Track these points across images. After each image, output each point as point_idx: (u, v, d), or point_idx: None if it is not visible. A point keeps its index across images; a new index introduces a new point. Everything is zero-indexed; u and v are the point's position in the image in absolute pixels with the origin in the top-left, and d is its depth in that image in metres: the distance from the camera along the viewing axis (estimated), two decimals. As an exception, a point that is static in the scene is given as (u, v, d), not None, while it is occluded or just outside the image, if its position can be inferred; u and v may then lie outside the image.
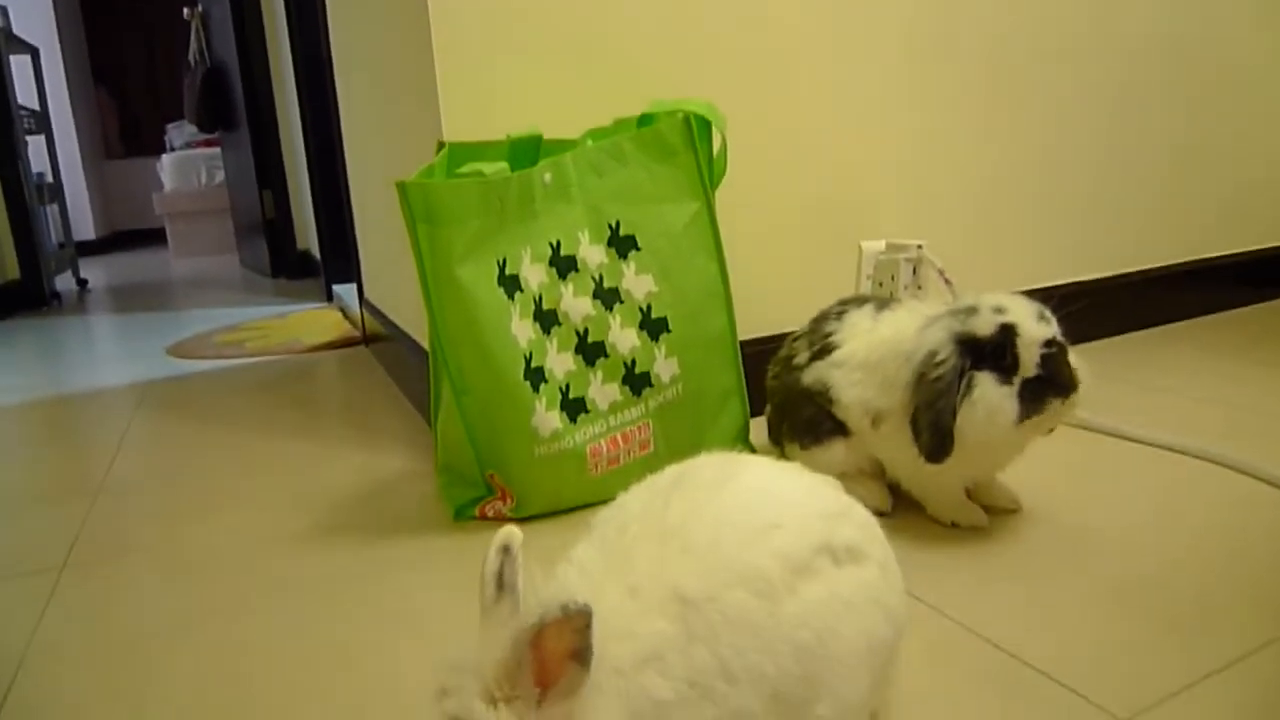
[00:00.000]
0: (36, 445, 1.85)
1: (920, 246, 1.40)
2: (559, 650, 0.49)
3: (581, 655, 0.49)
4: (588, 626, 0.49)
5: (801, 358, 1.19)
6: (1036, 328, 0.98)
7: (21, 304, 3.72)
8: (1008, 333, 0.98)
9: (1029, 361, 0.97)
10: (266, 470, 1.50)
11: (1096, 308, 1.90)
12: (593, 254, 1.18)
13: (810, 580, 0.61)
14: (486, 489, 1.19)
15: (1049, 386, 0.97)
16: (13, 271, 3.73)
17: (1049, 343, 0.98)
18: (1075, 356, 1.00)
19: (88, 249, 5.92)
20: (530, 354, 1.12)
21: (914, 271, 1.41)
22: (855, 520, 0.68)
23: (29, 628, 1.00)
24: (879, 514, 1.11)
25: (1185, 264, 2.07)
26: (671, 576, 0.58)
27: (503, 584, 0.55)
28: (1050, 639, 0.84)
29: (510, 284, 1.12)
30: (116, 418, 1.93)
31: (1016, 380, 0.97)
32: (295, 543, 1.18)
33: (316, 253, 3.61)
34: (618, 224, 1.19)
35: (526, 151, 1.22)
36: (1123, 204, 1.98)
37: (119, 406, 2.03)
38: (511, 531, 0.57)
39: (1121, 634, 0.85)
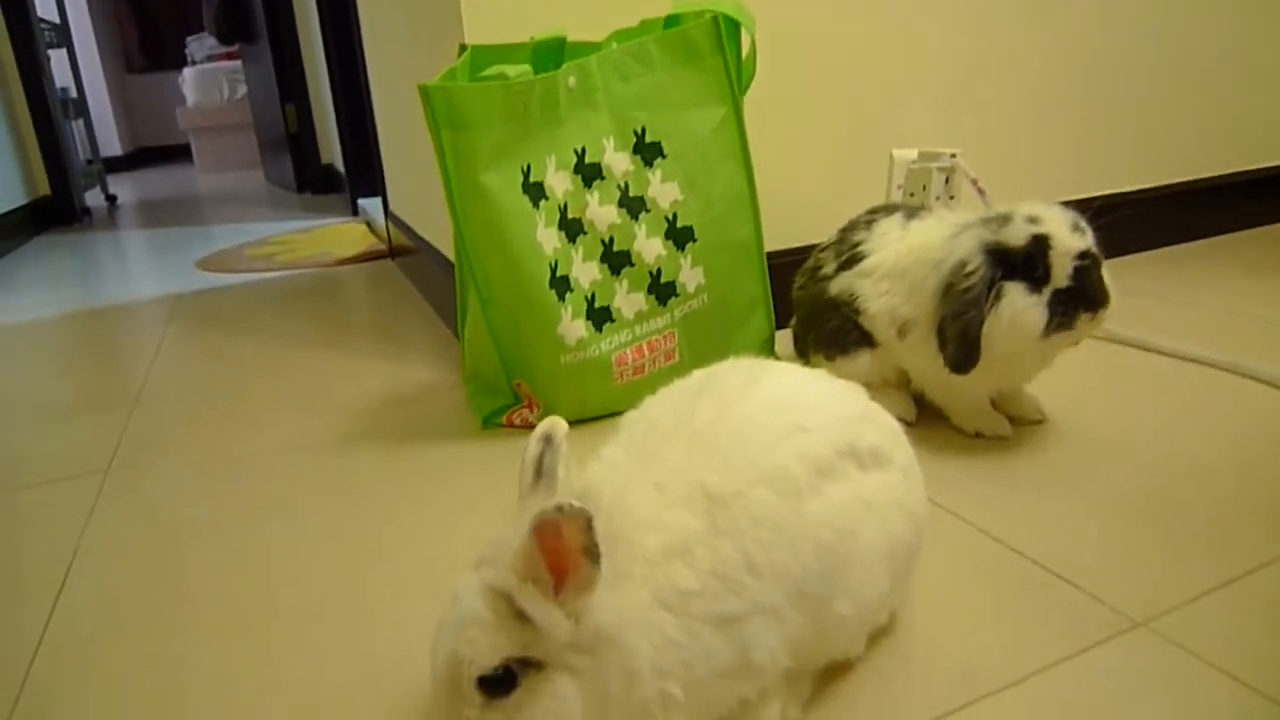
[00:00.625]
0: (75, 357, 1.89)
1: (954, 155, 1.36)
2: (572, 545, 0.50)
3: (590, 553, 0.51)
4: (589, 527, 0.50)
5: (829, 268, 1.17)
6: (1070, 239, 0.96)
7: (53, 220, 3.75)
8: (1040, 243, 0.96)
9: (1061, 273, 0.95)
10: (297, 380, 1.53)
11: (1135, 220, 1.85)
12: (618, 161, 1.16)
13: (833, 482, 0.62)
14: (513, 397, 1.20)
15: (1079, 299, 0.96)
16: (43, 188, 3.76)
17: (1083, 255, 0.96)
18: (1107, 271, 0.98)
19: (114, 165, 5.92)
20: (555, 262, 1.12)
21: (946, 181, 1.38)
22: (880, 425, 0.69)
23: (79, 526, 1.04)
24: (903, 424, 1.12)
25: (1230, 176, 2.00)
26: (698, 473, 0.59)
27: (541, 471, 0.57)
28: (1070, 545, 0.85)
29: (535, 191, 1.11)
30: (150, 330, 1.96)
31: (1047, 291, 0.96)
32: (327, 449, 1.21)
33: (341, 167, 3.59)
34: (643, 130, 1.17)
35: (550, 54, 1.19)
36: (1169, 112, 1.90)
37: (152, 319, 2.06)
38: (556, 421, 0.58)
39: (1141, 542, 0.85)
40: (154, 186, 5.27)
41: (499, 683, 0.52)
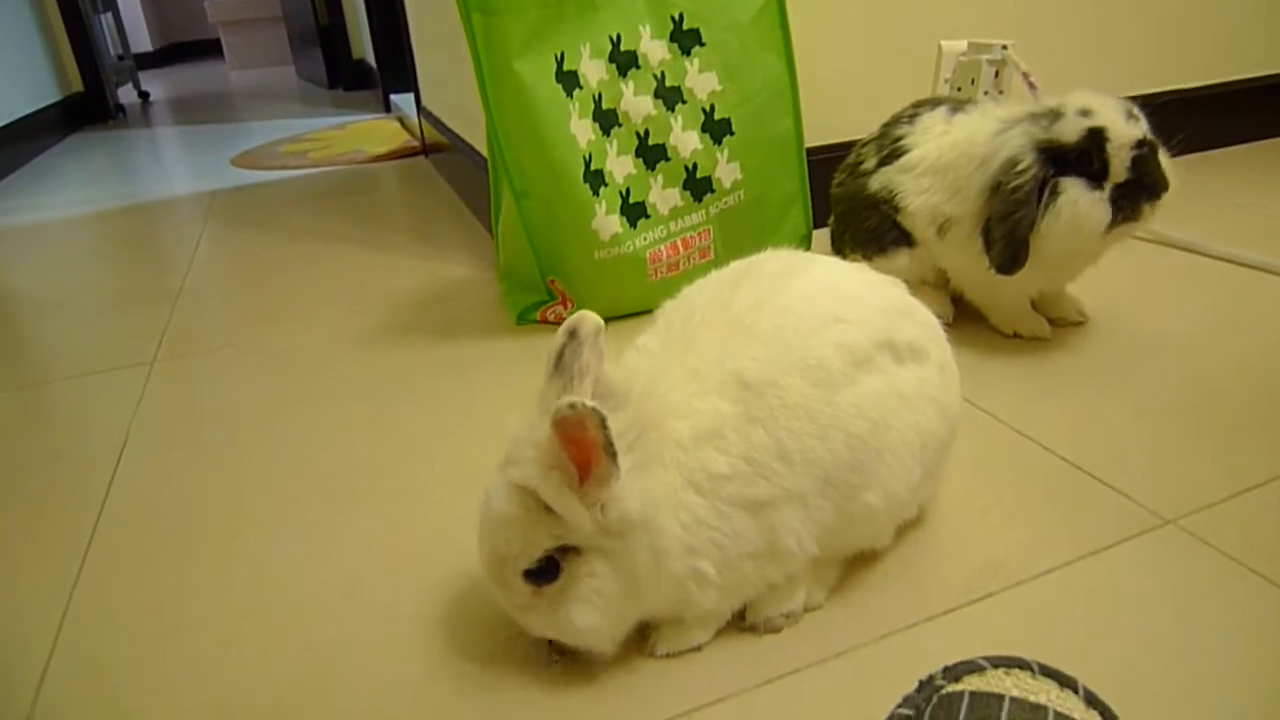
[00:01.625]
0: (115, 253, 1.92)
1: (1005, 47, 1.30)
2: (594, 439, 0.51)
3: (608, 449, 0.52)
4: (603, 425, 0.50)
5: (869, 163, 1.14)
6: (1126, 128, 0.92)
7: (87, 117, 3.75)
8: (1096, 137, 0.92)
9: (1119, 165, 0.92)
10: (334, 277, 1.55)
11: (1189, 119, 1.77)
12: (654, 49, 1.12)
13: (869, 373, 0.62)
14: (547, 294, 1.21)
15: (1140, 190, 0.92)
16: (76, 84, 3.74)
17: (1140, 143, 0.92)
18: (1164, 156, 0.95)
19: (145, 62, 5.86)
20: (590, 155, 1.10)
21: (996, 75, 1.32)
22: (918, 319, 0.68)
23: (128, 415, 1.08)
24: (940, 324, 1.11)
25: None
26: (733, 361, 0.59)
27: (560, 365, 0.57)
28: (1104, 445, 0.85)
29: (569, 80, 1.08)
30: (188, 226, 1.98)
31: (1108, 186, 0.92)
32: (364, 343, 1.23)
33: (373, 62, 3.53)
34: (681, 16, 1.13)
35: (586, -64, 1.14)
36: (1232, 6, 1.78)
37: (190, 216, 2.08)
38: (584, 316, 0.58)
39: (1176, 442, 0.85)
40: (186, 83, 5.23)
41: (543, 572, 0.56)
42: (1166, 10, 1.73)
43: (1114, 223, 0.93)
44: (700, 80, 1.14)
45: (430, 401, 1.05)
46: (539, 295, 1.22)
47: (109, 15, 4.20)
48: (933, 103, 1.13)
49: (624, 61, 1.11)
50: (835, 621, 0.65)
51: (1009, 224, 0.95)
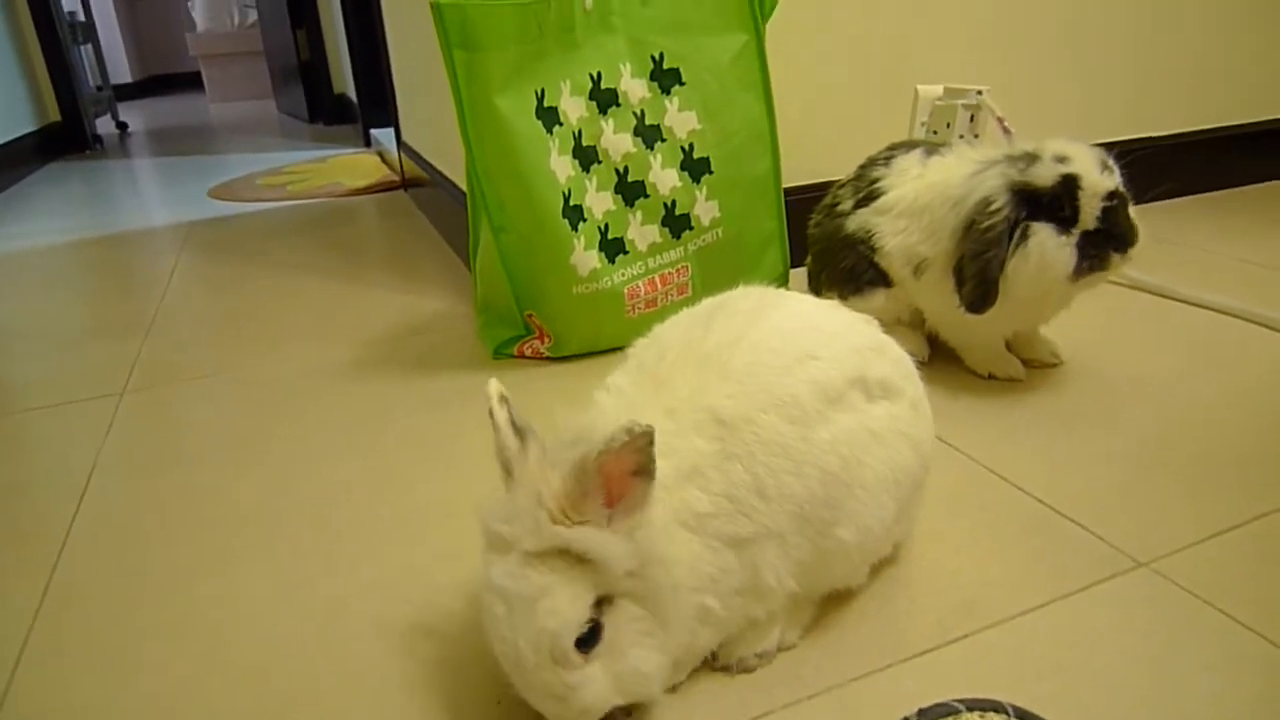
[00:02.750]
0: (88, 283, 1.89)
1: (980, 92, 1.32)
2: (623, 469, 0.51)
3: (646, 470, 0.51)
4: (650, 444, 0.50)
5: (846, 204, 1.15)
6: (1100, 179, 0.94)
7: (64, 147, 3.72)
8: (1070, 184, 0.94)
9: (1089, 214, 0.93)
10: (310, 309, 1.53)
11: (1159, 167, 1.81)
12: (635, 88, 1.13)
13: (842, 410, 0.62)
14: (525, 328, 1.20)
15: (1108, 240, 0.94)
16: (54, 114, 3.72)
17: (1111, 195, 0.94)
18: (1134, 211, 0.96)
19: (124, 93, 5.86)
20: (569, 191, 1.10)
21: (971, 119, 1.35)
22: (890, 356, 0.69)
23: (95, 446, 1.05)
24: (916, 363, 1.11)
25: (1269, 123, 1.95)
26: (709, 399, 0.59)
27: (519, 430, 0.55)
28: (1077, 487, 0.85)
29: (549, 116, 1.09)
30: (164, 257, 1.96)
31: (1075, 232, 0.94)
32: (340, 376, 1.22)
33: (354, 96, 3.54)
34: (661, 56, 1.14)
35: (567, -24, 1.16)
36: (1208, 55, 1.83)
37: (165, 246, 2.06)
38: (494, 383, 0.57)
39: (1149, 485, 0.85)
40: (165, 115, 5.22)
41: (591, 635, 0.52)
42: (1140, 59, 1.78)
43: (1079, 270, 0.94)
44: (680, 119, 1.15)
45: (406, 435, 1.04)
46: (516, 330, 1.21)
47: (88, 46, 4.20)
48: (908, 145, 1.15)
49: (604, 99, 1.12)
50: (810, 662, 0.64)
51: (980, 263, 0.96)
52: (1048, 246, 0.94)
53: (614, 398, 0.63)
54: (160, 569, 0.81)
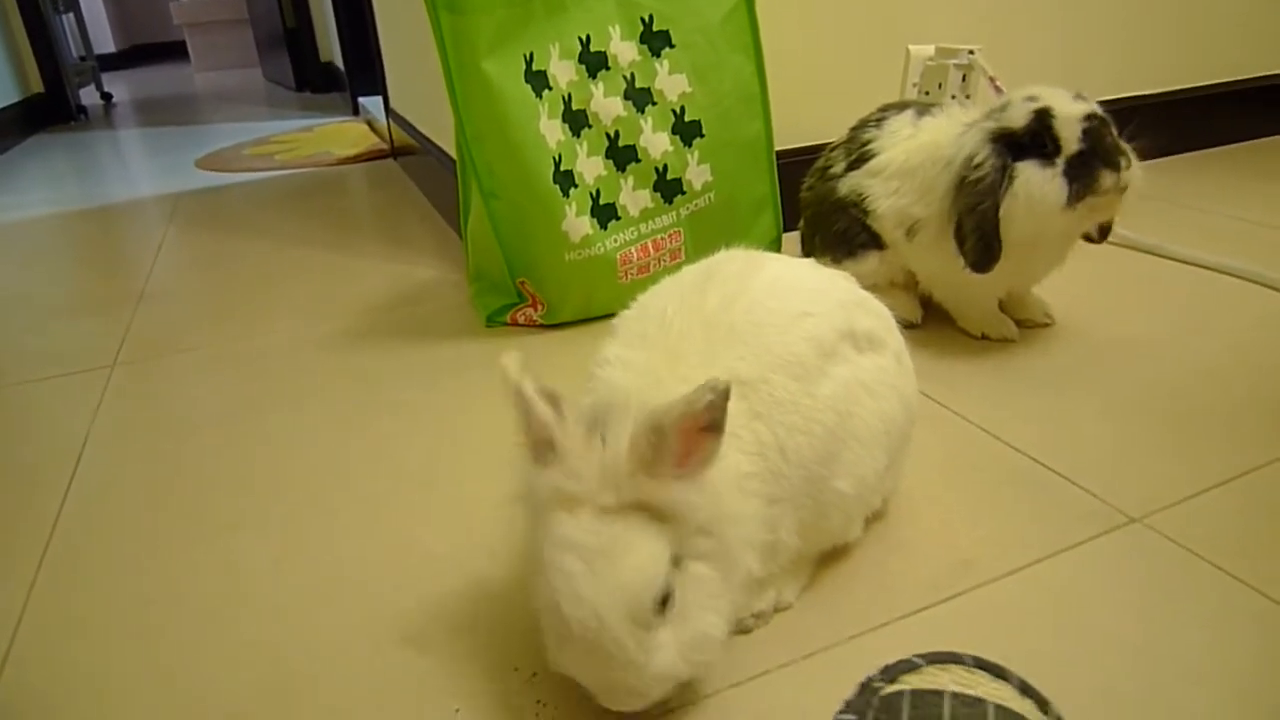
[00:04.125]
0: (76, 256, 1.88)
1: (972, 52, 1.31)
2: (694, 428, 0.49)
3: (718, 425, 0.50)
4: (728, 399, 0.49)
5: (838, 167, 1.15)
6: (1072, 105, 0.93)
7: (48, 118, 3.67)
8: (1042, 116, 0.93)
9: (1070, 138, 0.93)
10: (301, 279, 1.52)
11: (1164, 124, 1.80)
12: (624, 50, 1.12)
13: (836, 364, 0.63)
14: (518, 295, 1.20)
15: (1095, 159, 0.93)
16: (36, 85, 3.67)
17: (1089, 117, 0.93)
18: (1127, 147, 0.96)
19: (108, 63, 5.76)
20: (560, 156, 1.09)
21: (964, 79, 1.33)
22: (872, 310, 0.70)
23: (87, 419, 1.05)
24: (910, 326, 1.11)
25: (1266, 79, 1.93)
26: (725, 361, 0.59)
27: (552, 399, 0.53)
28: (1070, 445, 0.85)
29: (538, 80, 1.07)
30: (151, 229, 1.94)
31: (1060, 161, 0.93)
32: (333, 346, 1.21)
33: (341, 64, 3.49)
34: (651, 18, 1.12)
35: (555, -63, 1.14)
36: (1197, 13, 1.81)
37: (153, 218, 2.04)
38: (512, 355, 0.54)
39: (1142, 441, 0.86)
40: (150, 85, 5.15)
41: (664, 597, 0.51)
42: (1131, 17, 1.76)
43: (1072, 194, 0.93)
44: (670, 82, 1.14)
45: (400, 404, 1.04)
46: (509, 297, 1.21)
47: (70, 15, 4.13)
48: (899, 106, 1.14)
49: (594, 62, 1.11)
50: (806, 622, 0.65)
51: (976, 216, 0.96)
52: (1034, 181, 0.93)
53: (623, 372, 0.61)
54: (156, 539, 0.81)
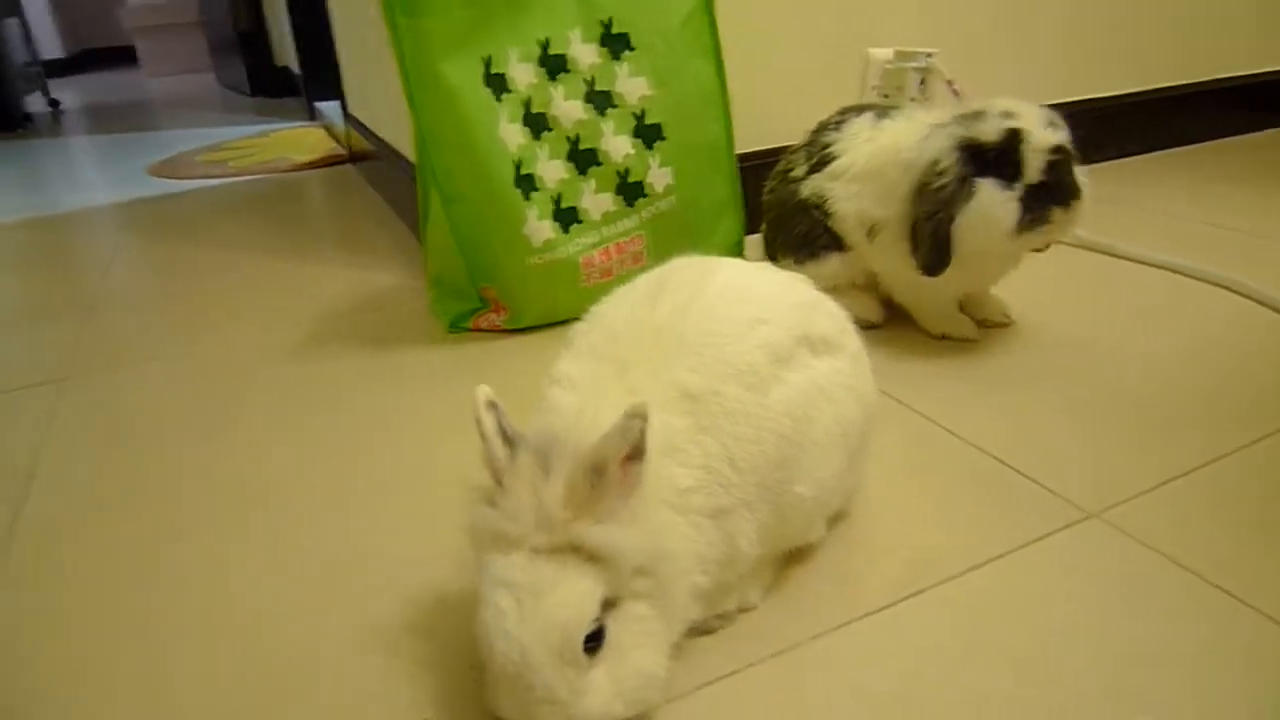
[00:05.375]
0: (24, 266, 1.83)
1: (930, 55, 1.33)
2: (618, 458, 0.51)
3: (639, 453, 0.51)
4: (646, 422, 0.50)
5: (799, 170, 1.15)
6: (1044, 134, 0.95)
7: (-7, 125, 3.58)
8: (1013, 138, 0.94)
9: (1034, 168, 0.94)
10: (258, 288, 1.50)
11: (1117, 126, 1.84)
12: (584, 53, 1.12)
13: (791, 369, 0.63)
14: (480, 301, 1.19)
15: (1053, 194, 0.95)
16: (-21, 90, 3.57)
17: (1056, 149, 0.94)
18: (1081, 171, 0.98)
19: (55, 69, 5.63)
20: (520, 160, 1.09)
21: (922, 82, 1.35)
22: (827, 311, 0.70)
23: (41, 433, 1.02)
24: (871, 326, 1.12)
25: (1214, 82, 1.98)
26: (671, 374, 0.59)
27: (508, 438, 0.54)
28: (1029, 442, 0.87)
29: (497, 84, 1.07)
30: (102, 238, 1.90)
31: (1019, 187, 0.95)
32: (292, 355, 1.19)
33: (296, 68, 3.45)
34: (610, 21, 1.12)
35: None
36: (1156, 14, 1.86)
37: (104, 227, 2.00)
38: (482, 389, 0.55)
39: (1097, 438, 0.87)
40: (99, 91, 5.04)
41: (596, 635, 0.51)
42: (1085, 21, 1.79)
43: (1023, 224, 0.95)
44: (631, 85, 1.14)
45: (362, 412, 1.02)
46: (471, 303, 1.20)
47: (14, 20, 4.02)
48: (859, 109, 1.15)
49: (554, 65, 1.10)
50: (770, 621, 0.65)
51: (932, 224, 0.97)
52: (991, 202, 0.95)
53: (569, 391, 0.61)
54: (115, 551, 0.79)
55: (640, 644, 0.53)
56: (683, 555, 0.56)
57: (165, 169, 2.59)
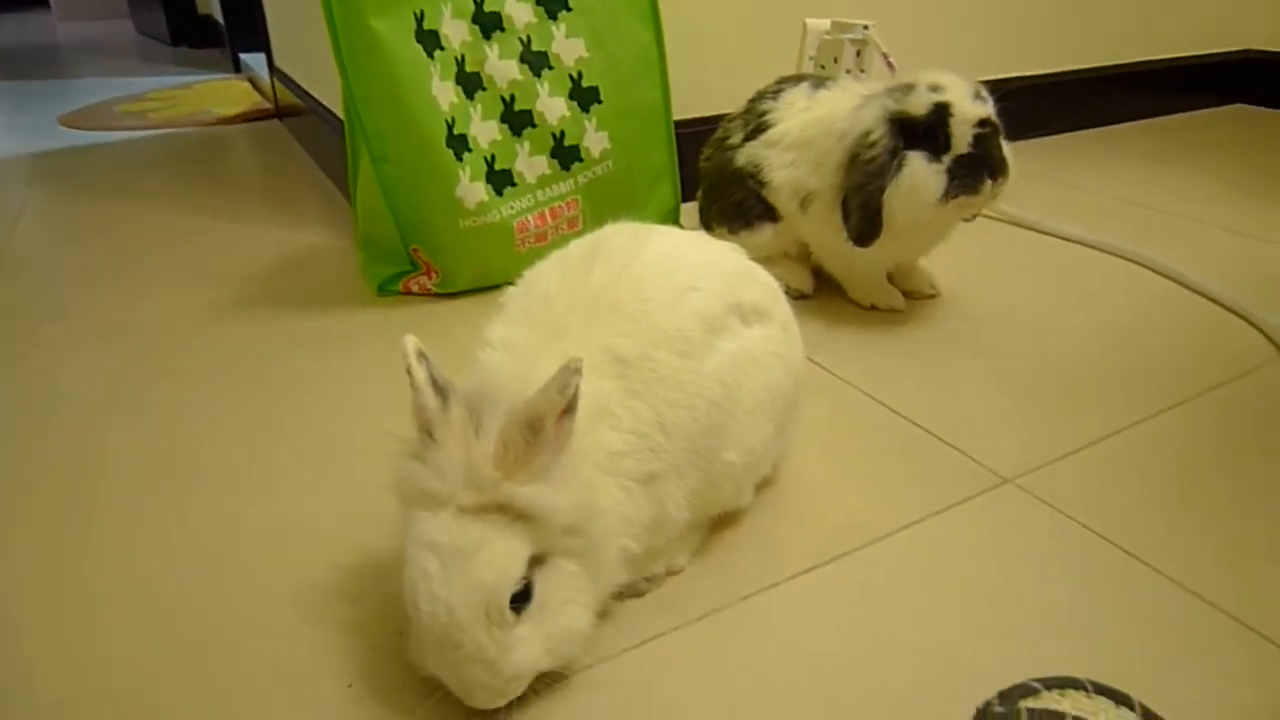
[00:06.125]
0: (-78, 216, 1.72)
1: (867, 27, 1.34)
2: (554, 413, 0.50)
3: (573, 408, 0.51)
4: (579, 377, 0.50)
5: (735, 138, 1.15)
6: (971, 107, 0.96)
7: (-113, 66, 3.35)
8: (941, 111, 0.96)
9: (961, 140, 0.96)
10: (179, 245, 1.44)
11: (1045, 104, 1.88)
12: (519, 12, 1.09)
13: (723, 338, 0.63)
14: (410, 263, 1.16)
15: (979, 165, 0.97)
16: None
17: (983, 122, 0.96)
18: (1007, 147, 1.00)
19: (-42, 8, 5.30)
20: (452, 119, 1.06)
21: (858, 54, 1.36)
22: (759, 280, 0.70)
23: (-66, 392, 0.97)
24: (801, 296, 1.14)
25: (1139, 64, 2.04)
26: (604, 338, 0.59)
27: (440, 389, 0.53)
28: (949, 410, 0.89)
29: (429, 40, 1.04)
30: (10, 192, 1.80)
31: (947, 159, 0.97)
32: (215, 316, 1.15)
33: (220, 18, 3.30)
34: (547, -21, 1.10)
35: (446, -109, 1.09)
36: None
37: (10, 179, 1.89)
38: (410, 338, 0.53)
39: (1016, 407, 0.90)
40: (5, 35, 4.75)
41: (524, 594, 0.51)
42: (1018, 2, 1.82)
43: (949, 192, 0.97)
44: (567, 46, 1.12)
45: (287, 377, 0.99)
46: (401, 265, 1.17)
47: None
48: (796, 79, 1.16)
49: (488, 23, 1.08)
50: (697, 585, 0.66)
51: (863, 195, 0.99)
52: (919, 174, 0.97)
53: (504, 353, 0.60)
54: (30, 521, 0.76)
55: (568, 599, 0.53)
56: (612, 515, 0.56)
57: (80, 119, 2.46)
